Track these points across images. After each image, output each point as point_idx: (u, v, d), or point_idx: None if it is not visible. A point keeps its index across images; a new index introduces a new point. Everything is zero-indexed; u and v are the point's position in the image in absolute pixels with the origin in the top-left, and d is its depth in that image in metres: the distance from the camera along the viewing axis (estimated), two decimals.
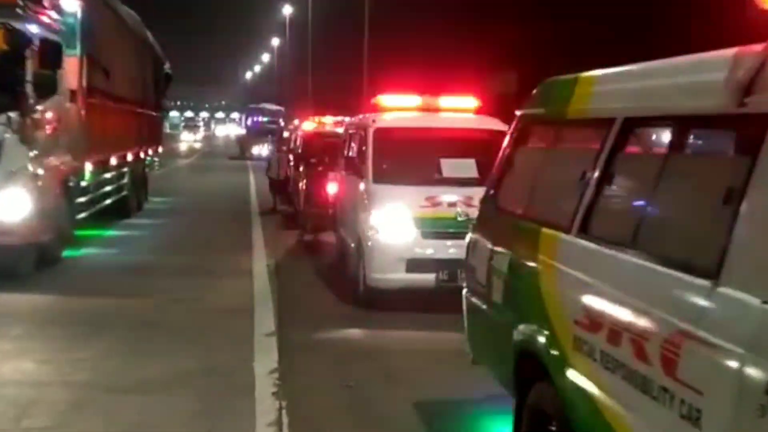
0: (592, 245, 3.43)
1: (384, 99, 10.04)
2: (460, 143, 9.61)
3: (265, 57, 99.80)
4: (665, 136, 3.34)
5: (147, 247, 12.59)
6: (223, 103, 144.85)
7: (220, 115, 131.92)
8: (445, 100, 10.15)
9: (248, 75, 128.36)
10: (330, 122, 17.80)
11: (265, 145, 47.78)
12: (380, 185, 8.87)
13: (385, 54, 36.78)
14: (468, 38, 30.59)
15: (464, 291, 5.22)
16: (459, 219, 8.50)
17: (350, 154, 10.50)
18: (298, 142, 18.87)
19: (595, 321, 3.21)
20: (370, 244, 8.61)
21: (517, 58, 27.21)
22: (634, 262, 3.04)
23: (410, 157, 9.24)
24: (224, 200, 21.43)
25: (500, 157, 5.02)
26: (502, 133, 9.74)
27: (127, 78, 16.30)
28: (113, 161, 14.14)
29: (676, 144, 3.22)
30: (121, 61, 15.79)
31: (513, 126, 5.06)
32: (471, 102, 10.25)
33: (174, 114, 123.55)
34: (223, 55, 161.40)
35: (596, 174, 3.56)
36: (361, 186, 9.25)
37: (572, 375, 3.36)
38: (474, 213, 8.50)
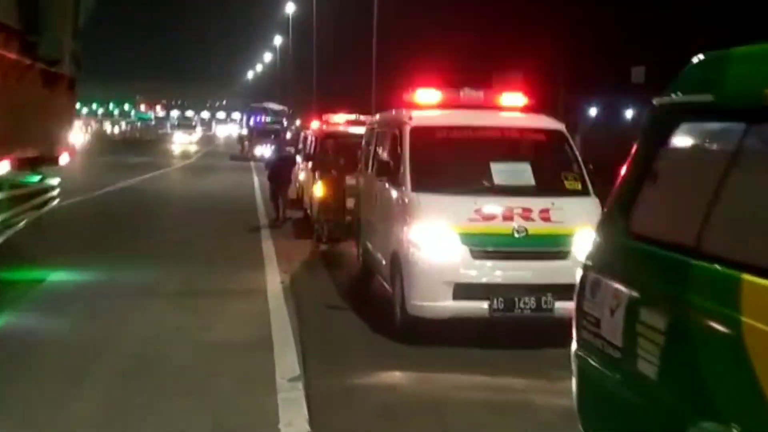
0: None
1: (421, 93, 8.65)
2: (512, 145, 8.24)
3: (268, 56, 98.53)
4: None
5: (143, 261, 11.18)
6: (225, 102, 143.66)
7: (221, 115, 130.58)
8: (491, 96, 8.78)
9: (250, 75, 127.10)
10: (342, 121, 16.38)
11: (269, 145, 46.76)
12: (421, 194, 7.44)
13: (397, 50, 35.54)
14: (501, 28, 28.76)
15: (574, 347, 3.83)
16: (516, 236, 7.13)
17: (380, 155, 9.08)
18: (308, 143, 17.51)
19: None
20: (409, 264, 7.22)
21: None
22: None
23: (454, 161, 7.82)
24: (228, 204, 20.06)
25: (632, 164, 3.63)
26: (559, 134, 8.54)
27: None
28: None
29: None
30: None
31: (648, 121, 3.68)
32: (519, 99, 8.87)
33: (175, 113, 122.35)
34: (225, 55, 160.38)
35: None
36: (396, 194, 7.86)
37: None
38: (534, 228, 7.27)
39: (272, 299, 8.88)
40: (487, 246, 7.13)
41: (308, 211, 15.85)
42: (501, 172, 7.65)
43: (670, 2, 25.15)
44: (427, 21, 36.98)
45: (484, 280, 7.09)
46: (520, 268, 7.14)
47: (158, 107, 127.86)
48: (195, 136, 77.96)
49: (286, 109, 53.58)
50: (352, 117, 16.54)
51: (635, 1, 27.16)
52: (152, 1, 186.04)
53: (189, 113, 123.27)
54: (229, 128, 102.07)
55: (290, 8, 65.04)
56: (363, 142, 10.81)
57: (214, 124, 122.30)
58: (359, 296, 9.32)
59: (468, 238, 7.11)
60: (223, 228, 15.30)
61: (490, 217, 7.22)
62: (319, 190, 13.46)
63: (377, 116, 10.90)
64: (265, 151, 45.84)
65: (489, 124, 8.26)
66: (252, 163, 40.96)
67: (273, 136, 47.13)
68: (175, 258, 11.25)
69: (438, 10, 36.43)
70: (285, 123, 52.75)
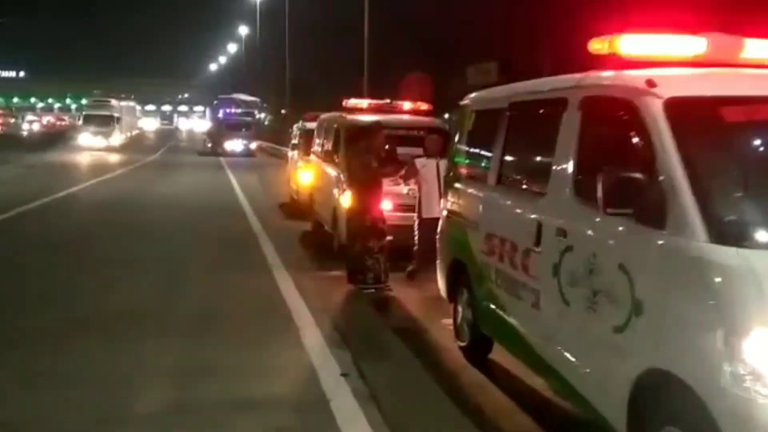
0: None
1: (629, 40, 4.47)
2: None
3: (232, 47, 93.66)
4: None
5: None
6: (186, 95, 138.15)
7: (183, 108, 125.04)
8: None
9: (213, 67, 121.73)
10: (368, 107, 12.12)
11: (240, 139, 42.43)
12: (745, 254, 3.26)
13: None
14: None
15: None
16: None
17: (571, 158, 4.84)
18: (321, 137, 13.28)
19: None
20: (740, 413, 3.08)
21: None
22: None
23: None
24: (210, 215, 15.72)
25: None
26: None
27: None
28: None
29: None
30: None
31: None
32: None
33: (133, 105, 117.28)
34: (186, 47, 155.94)
35: None
36: (664, 253, 3.63)
37: None
38: None
39: (347, 424, 4.73)
40: None
41: (326, 228, 11.66)
42: None
43: None
44: None
45: None
46: None
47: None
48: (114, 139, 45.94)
49: (258, 100, 49.16)
50: (383, 102, 12.32)
51: None
52: None
53: (150, 107, 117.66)
54: (192, 122, 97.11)
55: None
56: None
57: (176, 117, 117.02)
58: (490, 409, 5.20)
59: None
60: (206, 255, 11.04)
61: None
62: (355, 201, 9.22)
63: (542, 81, 6.26)
64: (236, 145, 41.77)
65: None
66: (223, 159, 36.56)
67: (244, 129, 43.07)
68: (125, 334, 6.96)
69: None
70: (257, 115, 48.42)
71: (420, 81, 24.40)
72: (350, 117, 11.67)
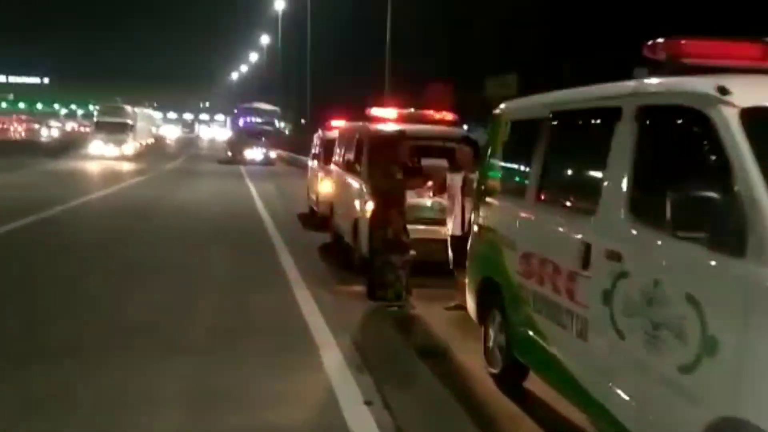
0: None
1: None
2: None
3: (253, 56, 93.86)
4: None
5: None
6: (208, 104, 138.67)
7: (204, 116, 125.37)
8: None
9: (234, 75, 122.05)
10: (395, 117, 11.69)
11: (260, 148, 42.18)
12: None
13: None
14: None
15: None
16: None
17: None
18: (348, 149, 12.83)
19: None
20: None
21: None
22: None
23: None
24: (229, 225, 15.36)
25: None
26: None
27: None
28: None
29: None
30: None
31: None
32: None
33: (156, 114, 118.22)
34: (208, 56, 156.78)
35: None
36: (741, 282, 3.05)
37: None
38: None
39: None
40: None
41: (346, 239, 11.26)
42: None
43: None
44: None
45: None
46: None
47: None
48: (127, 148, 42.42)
49: (278, 109, 48.91)
50: (407, 111, 11.89)
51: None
52: (135, 4, 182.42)
53: (171, 115, 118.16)
54: (213, 130, 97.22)
55: (280, 5, 60.67)
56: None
57: (197, 125, 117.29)
58: None
59: None
60: (223, 267, 10.66)
61: None
62: (376, 213, 8.81)
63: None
64: (256, 154, 41.52)
65: None
66: (242, 168, 36.30)
67: (264, 138, 42.84)
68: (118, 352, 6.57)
69: None
70: (277, 124, 48.20)
71: (443, 90, 23.94)
72: (373, 126, 11.27)
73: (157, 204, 18.75)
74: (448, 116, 11.75)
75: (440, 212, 9.23)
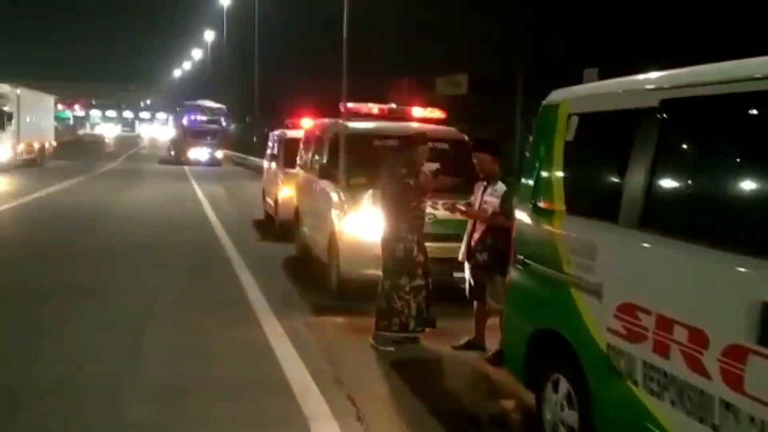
0: None
1: None
2: None
3: (197, 53, 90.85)
4: None
5: None
6: (149, 102, 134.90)
7: (145, 114, 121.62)
8: None
9: (177, 73, 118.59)
10: (376, 112, 9.98)
11: (205, 148, 39.99)
12: None
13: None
14: None
15: None
16: None
17: None
18: (321, 150, 11.04)
19: None
20: None
21: None
22: None
23: None
24: (176, 235, 13.43)
25: None
26: None
27: None
28: None
29: None
30: None
31: None
32: None
33: (96, 113, 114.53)
34: (149, 53, 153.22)
35: None
36: None
37: None
38: None
39: None
40: None
41: (318, 255, 9.55)
42: None
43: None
44: None
45: None
46: None
47: (77, 106, 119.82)
48: None
49: (224, 107, 46.71)
50: (389, 107, 10.18)
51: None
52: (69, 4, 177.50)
53: (110, 113, 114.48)
54: (154, 129, 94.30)
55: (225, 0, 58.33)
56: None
57: (137, 123, 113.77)
58: None
59: None
60: (173, 290, 8.82)
61: None
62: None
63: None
64: (201, 154, 39.32)
65: None
66: (187, 168, 34.13)
67: (210, 137, 40.66)
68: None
69: None
70: (224, 123, 46.02)
71: (408, 86, 22.31)
72: (352, 125, 9.56)
73: (93, 213, 16.53)
74: (435, 113, 10.11)
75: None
